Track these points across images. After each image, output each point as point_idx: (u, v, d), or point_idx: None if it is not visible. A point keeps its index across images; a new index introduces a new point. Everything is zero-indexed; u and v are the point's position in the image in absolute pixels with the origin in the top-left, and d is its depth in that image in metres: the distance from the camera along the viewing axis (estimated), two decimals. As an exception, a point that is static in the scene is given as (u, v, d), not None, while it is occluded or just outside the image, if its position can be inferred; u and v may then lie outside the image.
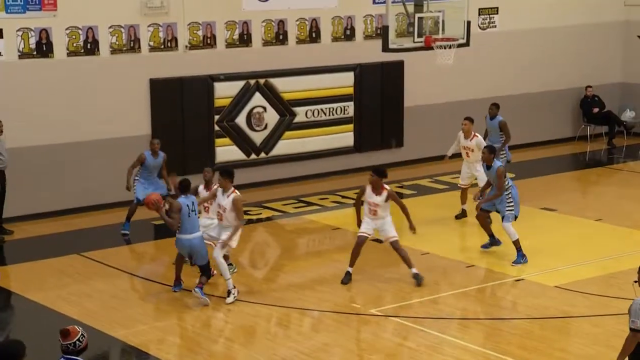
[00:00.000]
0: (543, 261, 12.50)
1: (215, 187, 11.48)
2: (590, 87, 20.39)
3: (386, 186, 11.74)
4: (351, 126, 17.80)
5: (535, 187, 16.97)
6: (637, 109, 20.80)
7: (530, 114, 19.91)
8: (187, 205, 10.91)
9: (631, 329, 7.22)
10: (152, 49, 15.68)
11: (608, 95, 20.64)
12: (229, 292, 11.08)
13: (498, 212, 12.58)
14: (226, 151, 16.54)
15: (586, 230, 14.12)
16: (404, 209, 11.77)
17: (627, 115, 20.80)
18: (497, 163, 12.60)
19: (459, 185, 14.96)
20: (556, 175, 18.06)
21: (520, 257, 12.36)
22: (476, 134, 14.59)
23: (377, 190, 11.67)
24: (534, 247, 12.92)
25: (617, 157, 19.60)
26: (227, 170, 11.40)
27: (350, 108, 17.73)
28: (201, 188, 12.01)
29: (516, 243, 12.35)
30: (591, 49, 20.74)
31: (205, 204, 11.80)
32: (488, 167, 12.60)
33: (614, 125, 20.43)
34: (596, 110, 20.37)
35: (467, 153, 14.66)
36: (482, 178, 13.87)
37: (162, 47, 15.77)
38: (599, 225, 14.34)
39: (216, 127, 16.37)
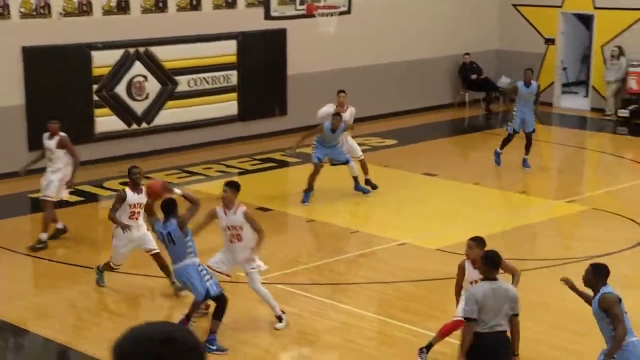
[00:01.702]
0: (424, 225, 12.76)
1: (214, 209, 9.37)
2: (468, 54, 20.85)
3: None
4: (234, 95, 17.64)
5: (416, 153, 17.30)
6: (512, 76, 21.38)
7: (411, 81, 20.22)
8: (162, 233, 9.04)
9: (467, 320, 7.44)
10: (24, 15, 15.07)
11: (485, 62, 21.16)
12: (279, 318, 9.37)
13: None
14: (106, 121, 16.13)
15: (465, 193, 14.50)
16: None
17: (503, 82, 21.38)
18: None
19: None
20: (436, 140, 18.45)
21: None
22: (350, 105, 14.57)
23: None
24: (416, 211, 13.19)
25: (494, 123, 20.17)
26: (234, 183, 9.70)
27: (233, 77, 17.56)
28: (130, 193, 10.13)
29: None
30: (469, 17, 21.19)
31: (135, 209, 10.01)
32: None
33: (491, 92, 20.99)
34: (474, 77, 20.87)
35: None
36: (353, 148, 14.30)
37: (35, 13, 15.17)
38: (477, 188, 14.74)
39: (95, 97, 15.93)
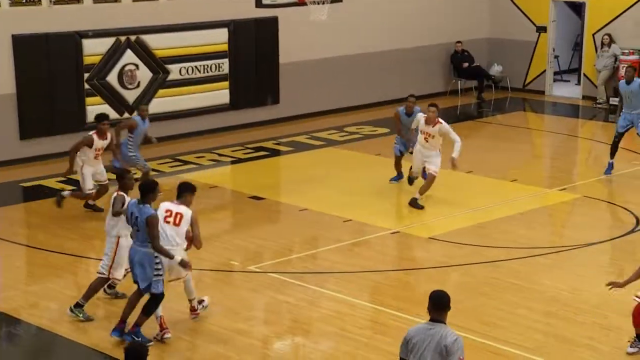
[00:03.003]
0: (417, 213, 12.77)
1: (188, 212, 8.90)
2: (460, 42, 20.84)
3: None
4: (226, 83, 17.59)
5: (409, 141, 17.28)
6: (504, 64, 21.43)
7: (403, 69, 20.20)
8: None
9: None
10: (14, 3, 14.98)
11: (477, 51, 21.16)
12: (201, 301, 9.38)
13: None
14: (98, 110, 16.00)
15: (458, 182, 14.51)
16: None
17: (495, 70, 21.40)
18: None
19: (410, 174, 13.64)
20: (429, 129, 18.40)
21: None
22: (440, 120, 13.07)
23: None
24: (408, 200, 13.18)
25: (486, 111, 20.18)
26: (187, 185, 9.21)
27: (225, 65, 17.50)
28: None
29: None
30: (460, 5, 21.17)
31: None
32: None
33: (483, 80, 21.00)
34: (466, 65, 20.86)
35: (425, 138, 13.12)
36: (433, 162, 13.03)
37: (25, 1, 15.08)
38: (470, 177, 14.76)
39: (86, 86, 15.86)
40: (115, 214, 9.20)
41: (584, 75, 20.83)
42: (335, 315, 9.47)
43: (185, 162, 15.62)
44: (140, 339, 8.54)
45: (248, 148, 16.56)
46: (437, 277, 10.57)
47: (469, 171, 15.00)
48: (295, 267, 10.89)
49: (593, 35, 20.44)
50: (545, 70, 21.26)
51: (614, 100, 19.61)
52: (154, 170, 15.22)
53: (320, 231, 12.17)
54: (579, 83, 21.44)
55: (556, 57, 21.76)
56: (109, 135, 12.38)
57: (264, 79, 18.07)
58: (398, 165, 14.07)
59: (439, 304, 6.19)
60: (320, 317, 9.43)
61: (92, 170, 12.36)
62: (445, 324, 6.13)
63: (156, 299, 8.71)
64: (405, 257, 11.16)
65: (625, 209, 12.85)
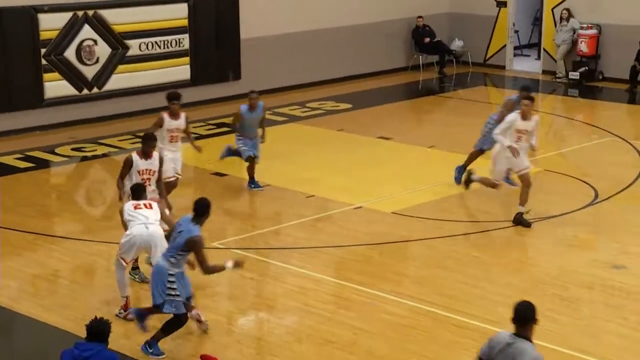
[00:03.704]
0: (380, 188, 12.81)
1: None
2: (421, 17, 20.84)
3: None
4: (187, 59, 17.43)
5: (371, 116, 17.31)
6: (465, 38, 21.49)
7: (365, 45, 20.17)
8: None
9: None
10: (-32, -22, 14.69)
11: (438, 25, 21.19)
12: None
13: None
14: (56, 86, 15.84)
15: (420, 157, 14.57)
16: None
17: (456, 45, 21.45)
18: None
19: (495, 181, 11.73)
20: (391, 104, 18.47)
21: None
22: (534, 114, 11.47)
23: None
24: (370, 175, 13.22)
25: (447, 86, 20.25)
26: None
27: (185, 40, 17.33)
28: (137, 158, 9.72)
29: None
30: (422, -20, 21.18)
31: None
32: None
33: (444, 55, 21.05)
34: (427, 40, 20.88)
35: (519, 137, 11.30)
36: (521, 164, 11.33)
37: (-21, -25, 14.79)
38: (431, 152, 14.82)
39: (43, 62, 15.61)
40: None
41: (544, 49, 20.98)
42: (299, 291, 9.48)
43: (146, 139, 15.45)
44: (152, 350, 7.94)
45: (210, 124, 16.45)
46: (400, 252, 10.63)
47: (431, 146, 15.06)
48: (258, 243, 10.87)
49: (552, 9, 20.58)
50: (505, 45, 21.37)
51: (573, 75, 19.80)
52: (113, 147, 15.07)
53: (283, 207, 12.15)
54: (538, 57, 21.59)
55: (516, 31, 21.88)
56: (182, 117, 11.23)
57: (225, 55, 17.93)
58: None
59: (522, 318, 5.73)
60: (284, 293, 9.44)
61: (171, 156, 11.06)
62: (529, 339, 5.67)
63: (178, 321, 7.97)
64: (368, 232, 11.19)
65: (585, 182, 13.00)
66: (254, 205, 12.36)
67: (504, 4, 21.19)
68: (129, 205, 8.80)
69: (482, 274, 9.90)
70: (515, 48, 21.92)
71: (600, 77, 19.70)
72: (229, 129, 16.29)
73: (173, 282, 7.86)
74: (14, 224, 11.34)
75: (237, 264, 8.31)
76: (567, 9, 20.02)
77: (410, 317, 8.85)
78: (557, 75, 20.19)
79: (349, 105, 17.94)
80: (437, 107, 18.76)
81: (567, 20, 19.99)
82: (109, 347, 6.31)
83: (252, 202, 12.58)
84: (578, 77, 19.66)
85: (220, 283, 9.67)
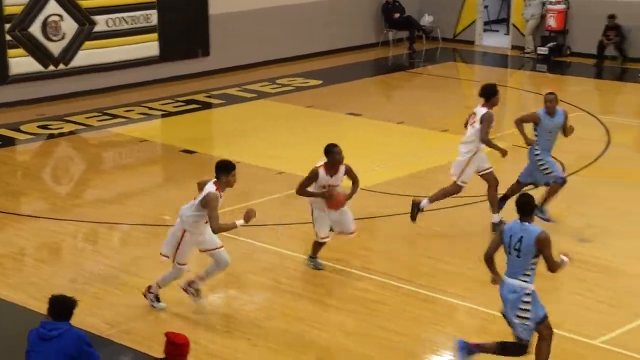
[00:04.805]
0: (351, 165, 12.78)
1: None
2: (391, -7, 20.77)
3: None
4: (155, 35, 17.24)
5: (341, 92, 17.27)
6: (435, 14, 21.46)
7: (334, 21, 20.07)
8: None
9: None
10: None
11: (407, 1, 21.13)
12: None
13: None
14: (21, 62, 15.62)
15: (389, 133, 14.57)
16: None
17: (426, 20, 21.42)
18: None
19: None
20: (360, 80, 18.44)
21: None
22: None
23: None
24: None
25: (417, 62, 20.23)
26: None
27: (153, 16, 17.13)
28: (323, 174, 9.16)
29: None
30: (391, -45, 21.08)
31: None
32: None
33: (414, 30, 21.01)
34: (397, 15, 20.83)
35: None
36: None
37: (-59, -51, 14.51)
38: (400, 127, 14.82)
39: (8, 37, 15.37)
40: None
41: (513, 24, 21.01)
42: (269, 267, 9.48)
43: (114, 116, 15.33)
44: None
45: (179, 101, 16.33)
46: (369, 227, 10.64)
47: (400, 122, 15.06)
48: (228, 220, 10.80)
49: (522, -15, 20.59)
50: (475, 21, 21.37)
51: (542, 50, 19.86)
52: (80, 124, 14.91)
53: (252, 184, 12.10)
54: (507, 33, 21.62)
55: (486, 7, 21.88)
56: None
57: (193, 31, 17.76)
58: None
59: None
60: (254, 270, 9.43)
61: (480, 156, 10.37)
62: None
63: (518, 347, 7.04)
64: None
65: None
66: (224, 182, 12.29)
67: (474, -20, 21.17)
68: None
69: (448, 249, 9.94)
70: (485, 23, 21.93)
71: (568, 52, 19.78)
72: (198, 105, 16.21)
73: (527, 302, 6.95)
74: (-20, 202, 11.21)
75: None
76: (535, -15, 20.05)
77: (379, 293, 8.89)
78: (525, 51, 20.25)
79: (319, 82, 17.88)
80: (407, 82, 18.75)
81: (536, -5, 20.03)
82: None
83: (221, 179, 12.51)
84: (546, 52, 19.73)
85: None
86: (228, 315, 8.54)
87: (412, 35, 20.92)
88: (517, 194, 7.71)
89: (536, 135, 10.63)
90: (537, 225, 7.05)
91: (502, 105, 17.60)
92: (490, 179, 10.56)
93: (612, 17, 18.67)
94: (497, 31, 22.48)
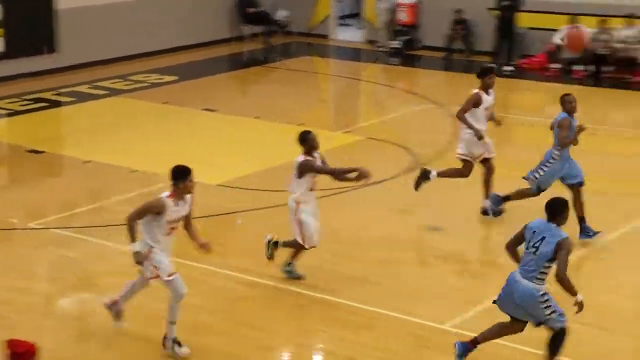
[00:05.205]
0: (205, 161, 12.66)
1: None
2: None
3: None
4: (0, 31, 16.52)
5: (196, 88, 17.10)
6: (289, 8, 21.53)
7: (188, 16, 19.83)
8: None
9: None
10: None
11: (261, -4, 21.17)
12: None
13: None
14: None
15: (245, 128, 14.51)
16: None
17: (281, 15, 21.45)
18: None
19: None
20: (216, 76, 18.30)
21: None
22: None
23: None
24: (196, 148, 13.03)
25: (272, 56, 20.25)
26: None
27: (-4, 11, 16.43)
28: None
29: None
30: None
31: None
32: None
33: (269, 25, 21.02)
34: (251, 10, 20.78)
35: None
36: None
37: None
38: (257, 122, 14.79)
39: None
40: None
41: (365, 19, 21.35)
42: (122, 270, 9.23)
43: (-44, 116, 14.60)
44: None
45: (25, 99, 15.71)
46: (226, 224, 10.56)
47: (256, 117, 15.04)
48: (80, 221, 10.49)
49: (373, -20, 20.95)
50: (329, 15, 21.60)
51: (394, 44, 20.28)
52: None
53: (106, 183, 11.79)
54: (361, 27, 21.96)
55: (339, 1, 22.14)
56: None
57: (39, 26, 17.11)
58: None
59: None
60: (107, 271, 9.17)
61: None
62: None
63: (562, 335, 7.03)
64: (194, 205, 11.02)
65: (405, 148, 13.36)
66: (75, 182, 11.92)
67: (325, -25, 21.39)
68: None
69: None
70: (339, 18, 22.19)
71: (420, 46, 20.28)
72: (46, 104, 15.65)
73: (546, 299, 6.95)
74: None
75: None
76: (386, -20, 20.45)
77: (240, 289, 8.83)
78: (378, 44, 20.62)
79: (175, 77, 17.62)
80: (263, 77, 18.75)
81: (388, -10, 20.43)
82: None
83: (72, 179, 12.13)
84: (399, 46, 20.16)
85: (40, 264, 9.30)
86: (79, 319, 8.26)
87: (267, 29, 20.92)
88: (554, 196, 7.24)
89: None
90: (563, 230, 6.92)
91: (356, 98, 17.98)
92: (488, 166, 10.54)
93: (458, 11, 19.27)
94: (351, 25, 22.79)
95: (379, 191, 11.56)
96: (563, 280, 6.76)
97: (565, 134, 9.76)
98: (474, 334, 7.35)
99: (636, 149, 13.99)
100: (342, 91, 18.31)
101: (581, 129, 9.76)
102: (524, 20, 18.50)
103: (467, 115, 10.28)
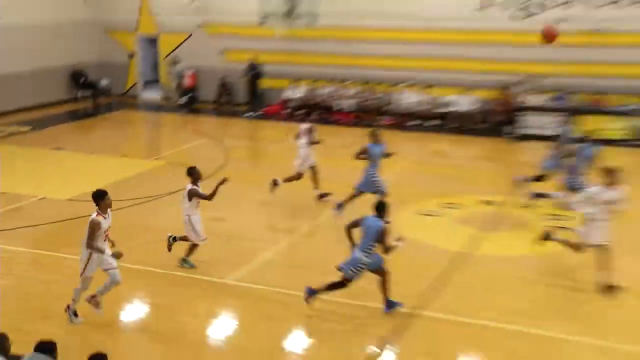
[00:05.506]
0: (53, 182, 12.13)
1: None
2: (78, 63, 19.92)
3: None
4: None
5: (48, 135, 16.20)
6: (109, 78, 21.10)
7: (38, 83, 18.80)
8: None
9: None
10: None
11: (90, 69, 20.51)
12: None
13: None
14: None
15: (85, 160, 13.97)
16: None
17: (104, 82, 20.93)
18: None
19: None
20: (61, 125, 17.44)
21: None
22: None
23: None
24: (53, 175, 12.37)
25: (99, 111, 19.68)
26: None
27: None
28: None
29: None
30: (77, 39, 20.28)
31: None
32: None
33: (95, 90, 20.47)
34: (82, 79, 20.16)
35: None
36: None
37: None
38: (93, 156, 14.32)
39: None
40: None
41: (162, 83, 21.32)
42: None
43: None
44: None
45: None
46: (77, 227, 10.22)
47: (91, 152, 14.57)
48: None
49: (165, 57, 20.99)
50: (136, 82, 21.31)
51: (182, 100, 20.43)
52: None
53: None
54: (159, 89, 21.87)
55: (144, 72, 21.90)
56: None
57: None
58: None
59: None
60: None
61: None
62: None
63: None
64: (52, 216, 10.65)
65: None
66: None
67: (132, 56, 21.16)
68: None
69: (153, 236, 9.66)
70: (144, 83, 21.94)
71: (199, 101, 20.60)
72: None
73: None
74: None
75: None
76: (174, 57, 20.61)
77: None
78: (172, 101, 20.68)
79: (30, 127, 16.64)
80: (94, 126, 18.20)
81: (175, 64, 20.58)
82: None
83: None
84: (185, 101, 20.37)
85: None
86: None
87: (94, 93, 20.30)
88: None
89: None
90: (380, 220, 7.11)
91: (159, 134, 17.91)
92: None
93: (222, 77, 19.86)
94: (153, 88, 22.58)
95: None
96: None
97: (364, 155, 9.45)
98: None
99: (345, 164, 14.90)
100: (149, 132, 18.22)
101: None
102: (264, 83, 19.45)
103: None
